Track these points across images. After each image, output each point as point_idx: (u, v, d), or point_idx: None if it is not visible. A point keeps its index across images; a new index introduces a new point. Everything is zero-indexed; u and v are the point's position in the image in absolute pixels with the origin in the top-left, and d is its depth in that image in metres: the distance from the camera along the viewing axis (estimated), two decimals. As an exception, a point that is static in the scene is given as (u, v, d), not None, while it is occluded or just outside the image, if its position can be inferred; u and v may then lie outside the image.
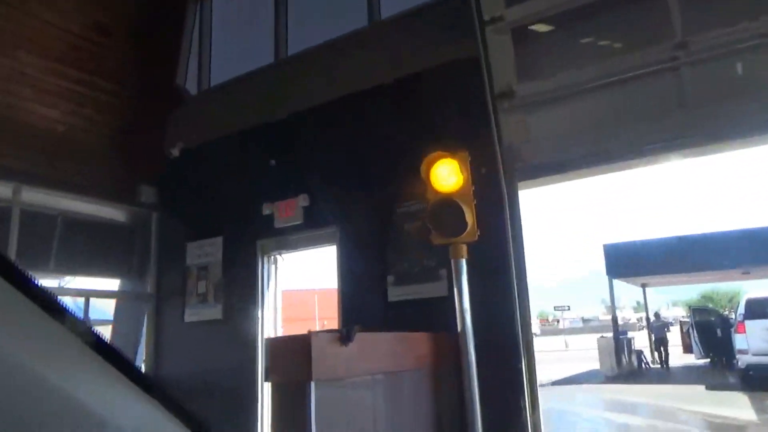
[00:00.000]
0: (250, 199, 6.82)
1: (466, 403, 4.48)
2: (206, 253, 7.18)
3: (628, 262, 16.59)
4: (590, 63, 4.80)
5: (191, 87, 8.14)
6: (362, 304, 5.91)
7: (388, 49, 6.20)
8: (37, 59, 7.10)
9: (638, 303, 43.08)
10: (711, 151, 4.58)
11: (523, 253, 5.07)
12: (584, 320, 78.87)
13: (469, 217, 4.59)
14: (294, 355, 3.58)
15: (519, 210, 5.12)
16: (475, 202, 4.61)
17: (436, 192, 4.72)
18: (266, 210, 6.65)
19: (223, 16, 8.14)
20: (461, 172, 4.67)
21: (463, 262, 4.64)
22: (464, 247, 4.64)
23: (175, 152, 7.72)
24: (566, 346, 36.48)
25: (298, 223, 6.45)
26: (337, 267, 6.14)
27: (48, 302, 0.61)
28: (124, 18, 7.79)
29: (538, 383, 4.89)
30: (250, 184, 6.94)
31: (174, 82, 8.11)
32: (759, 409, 10.16)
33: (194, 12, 8.21)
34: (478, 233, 4.57)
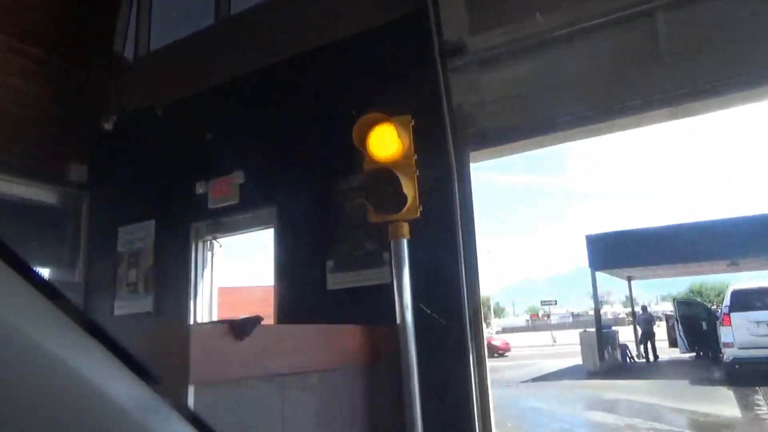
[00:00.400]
0: (184, 177, 6.11)
1: (405, 406, 3.83)
2: (138, 238, 6.46)
3: (611, 253, 15.96)
4: (551, 9, 4.12)
5: (129, 53, 7.40)
6: (300, 293, 5.22)
7: (330, 6, 5.49)
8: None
9: (627, 297, 42.69)
10: (691, 111, 3.91)
11: (474, 233, 4.39)
12: (574, 315, 78.80)
13: (410, 191, 3.93)
14: (171, 352, 2.90)
15: (470, 183, 4.44)
16: (417, 173, 3.95)
17: (373, 161, 4.06)
18: (199, 189, 5.94)
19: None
20: (401, 137, 4.01)
21: (404, 243, 3.98)
22: (405, 226, 3.99)
23: (109, 126, 6.98)
24: (554, 341, 36.01)
25: (233, 202, 5.75)
26: (274, 252, 5.45)
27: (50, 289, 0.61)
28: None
29: (489, 382, 4.22)
30: (184, 161, 6.22)
31: (111, 47, 7.36)
32: (744, 406, 9.60)
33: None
34: (421, 209, 3.91)
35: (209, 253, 6.10)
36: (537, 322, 73.53)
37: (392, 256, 4.03)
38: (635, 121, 4.00)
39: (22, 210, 6.86)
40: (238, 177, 5.71)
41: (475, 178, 4.47)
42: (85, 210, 7.05)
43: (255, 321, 3.16)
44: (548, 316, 68.25)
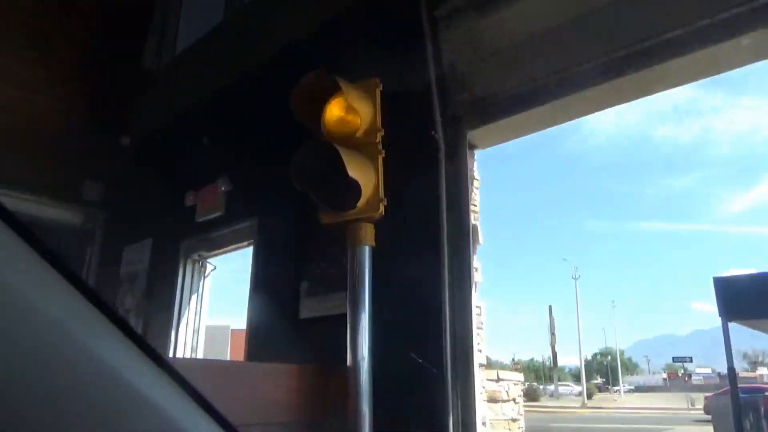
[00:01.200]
0: (179, 189, 5.34)
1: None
2: (136, 259, 5.77)
3: (748, 300, 13.04)
4: None
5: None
6: (272, 323, 4.14)
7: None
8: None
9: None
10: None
11: (469, 240, 3.06)
12: (721, 376, 69.66)
13: (368, 177, 2.81)
14: None
15: (466, 172, 3.14)
16: (383, 154, 2.82)
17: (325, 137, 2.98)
18: (189, 200, 5.13)
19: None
20: (359, 106, 2.91)
21: (366, 252, 2.82)
22: (367, 228, 2.84)
23: (126, 141, 6.49)
24: (691, 404, 31.38)
25: (219, 214, 4.85)
26: (251, 273, 4.43)
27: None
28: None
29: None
30: (181, 172, 5.48)
31: (140, 62, 6.97)
32: None
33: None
34: (385, 203, 2.75)
35: (200, 275, 5.22)
36: (676, 382, 65.71)
37: (348, 269, 2.85)
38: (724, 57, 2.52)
39: (40, 229, 6.48)
40: (224, 184, 4.81)
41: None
42: (98, 230, 6.54)
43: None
44: (689, 375, 60.88)
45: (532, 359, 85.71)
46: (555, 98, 2.87)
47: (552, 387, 47.59)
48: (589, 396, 39.05)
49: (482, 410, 3.04)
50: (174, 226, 5.36)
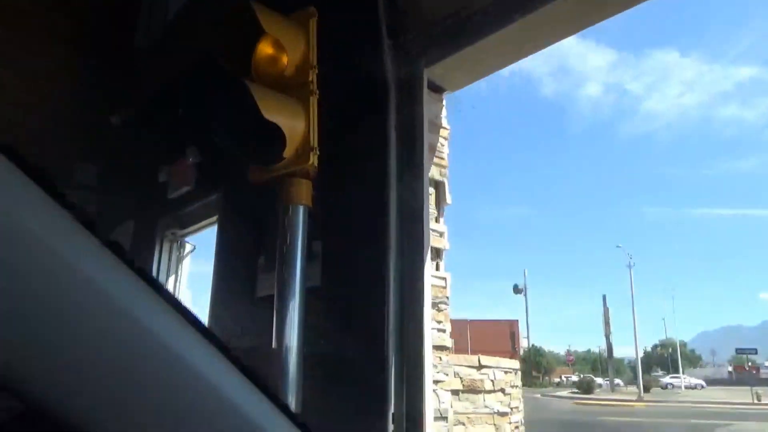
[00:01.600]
0: (158, 166, 5.00)
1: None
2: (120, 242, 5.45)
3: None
4: None
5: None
6: (231, 303, 3.72)
7: None
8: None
9: None
10: None
11: (424, 202, 2.50)
12: (794, 370, 65.64)
13: (295, 123, 2.39)
14: None
15: (422, 116, 2.59)
16: (317, 95, 2.35)
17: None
18: (162, 176, 4.77)
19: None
20: (290, 42, 2.47)
21: (300, 212, 2.36)
22: (302, 185, 2.38)
23: (116, 120, 6.19)
24: (757, 399, 29.47)
25: (188, 188, 4.46)
26: (215, 249, 4.02)
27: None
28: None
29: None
30: (159, 149, 5.13)
31: (132, 41, 6.68)
32: None
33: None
34: (318, 154, 2.29)
35: (177, 256, 4.85)
36: (743, 376, 62.35)
37: (280, 233, 2.41)
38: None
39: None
40: (191, 155, 4.41)
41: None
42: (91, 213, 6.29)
43: None
44: (757, 368, 57.62)
45: (588, 350, 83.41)
46: (520, 16, 2.28)
47: (617, 380, 46.10)
48: (647, 389, 37.34)
49: (445, 400, 2.51)
50: (152, 205, 5.02)
